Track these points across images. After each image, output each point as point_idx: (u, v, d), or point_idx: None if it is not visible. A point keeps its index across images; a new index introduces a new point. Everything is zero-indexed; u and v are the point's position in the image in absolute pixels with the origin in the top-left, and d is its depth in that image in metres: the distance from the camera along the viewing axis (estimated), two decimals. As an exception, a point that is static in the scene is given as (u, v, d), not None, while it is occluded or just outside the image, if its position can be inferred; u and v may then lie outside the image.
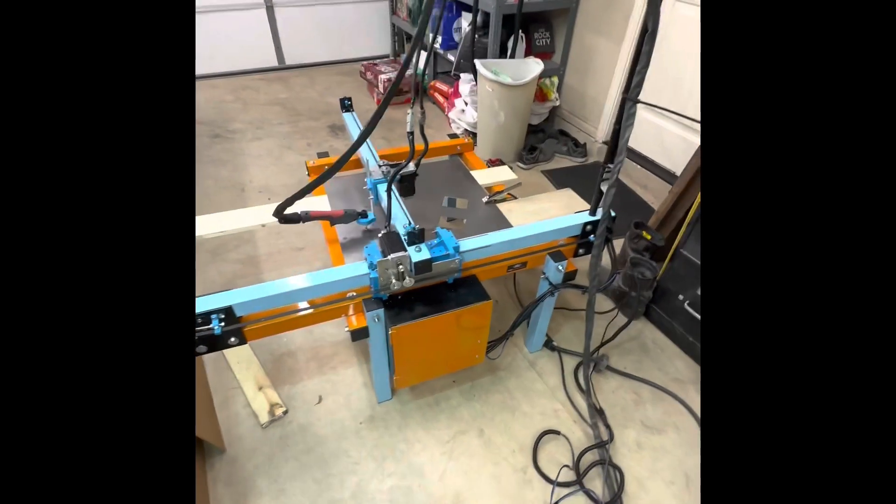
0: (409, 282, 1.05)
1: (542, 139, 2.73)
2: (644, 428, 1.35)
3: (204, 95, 3.31)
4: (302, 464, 1.23)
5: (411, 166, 1.33)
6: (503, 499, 1.18)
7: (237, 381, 1.41)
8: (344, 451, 1.26)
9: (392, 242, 1.04)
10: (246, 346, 1.51)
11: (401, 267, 1.02)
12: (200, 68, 3.50)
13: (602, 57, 2.45)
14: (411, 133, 1.07)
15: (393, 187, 1.27)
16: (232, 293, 0.98)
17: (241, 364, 1.45)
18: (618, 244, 1.78)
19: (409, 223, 1.11)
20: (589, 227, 1.27)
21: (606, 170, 1.16)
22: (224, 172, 2.47)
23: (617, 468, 1.21)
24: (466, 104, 2.71)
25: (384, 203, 1.25)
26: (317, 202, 1.52)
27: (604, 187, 1.21)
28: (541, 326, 1.46)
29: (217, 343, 1.00)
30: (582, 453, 1.24)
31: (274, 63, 3.73)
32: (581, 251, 1.33)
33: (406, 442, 1.29)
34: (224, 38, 3.44)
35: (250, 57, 3.61)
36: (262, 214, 1.43)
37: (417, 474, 1.22)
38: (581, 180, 2.48)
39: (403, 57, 3.61)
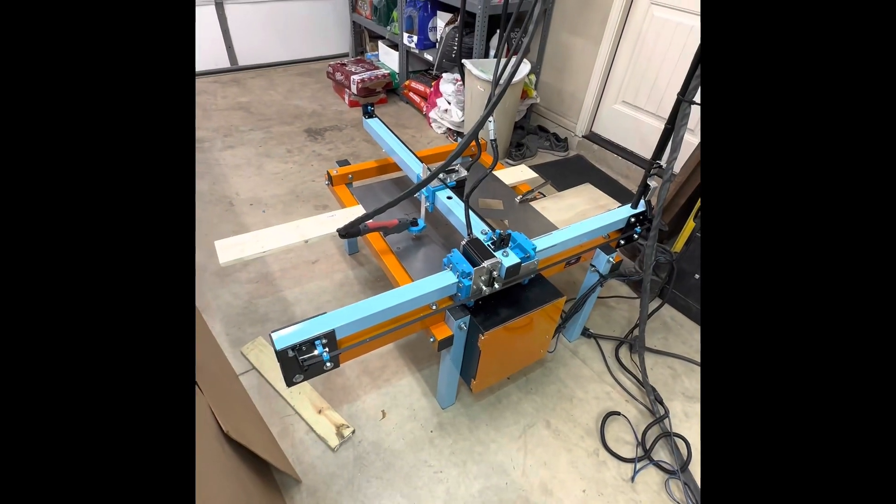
0: (497, 286, 1.07)
1: (523, 136, 2.83)
2: (686, 398, 1.48)
3: (154, 101, 3.00)
4: (385, 481, 1.20)
5: (463, 171, 1.34)
6: (585, 482, 1.24)
7: (292, 407, 1.34)
8: (423, 462, 1.25)
9: (479, 251, 1.05)
10: (291, 369, 1.43)
11: (494, 273, 1.04)
12: (144, 71, 3.16)
13: (579, 56, 2.58)
14: (494, 140, 1.08)
15: (454, 193, 1.28)
16: (328, 316, 0.94)
17: (292, 390, 1.37)
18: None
19: (490, 230, 1.12)
20: (633, 220, 1.36)
21: (655, 166, 1.25)
22: (203, 186, 2.28)
23: (682, 437, 1.33)
24: (450, 104, 2.72)
25: (445, 207, 1.25)
26: (351, 213, 1.48)
27: (650, 182, 1.30)
28: (583, 316, 1.54)
29: (314, 371, 0.95)
30: (646, 429, 1.34)
31: (226, 64, 3.47)
32: (622, 242, 1.42)
33: (481, 443, 1.31)
34: (170, 37, 3.13)
35: (200, 58, 3.33)
36: (301, 230, 1.36)
37: (501, 472, 1.24)
38: (567, 173, 2.61)
39: (369, 55, 3.53)
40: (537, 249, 1.13)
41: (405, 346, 1.56)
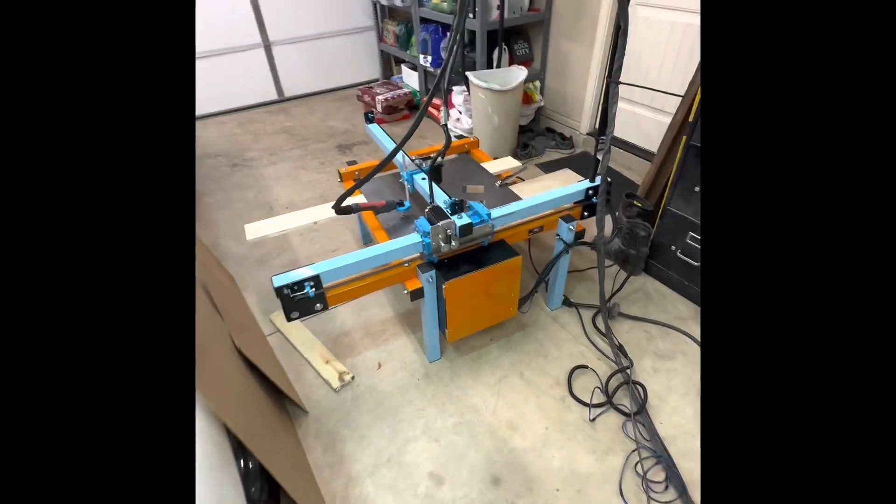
0: (455, 244, 1.30)
1: (532, 137, 3.03)
2: (657, 357, 1.59)
3: (216, 131, 3.57)
4: (375, 415, 1.44)
5: (439, 159, 1.59)
6: (548, 421, 1.40)
7: (305, 359, 1.63)
8: (409, 402, 1.48)
9: (437, 215, 1.29)
10: (307, 330, 1.73)
11: (448, 231, 1.27)
12: (209, 107, 3.77)
13: (577, 60, 2.78)
14: (445, 125, 1.33)
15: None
16: (317, 265, 1.22)
17: (306, 345, 1.67)
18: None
19: (449, 198, 1.36)
20: (591, 192, 1.54)
21: (601, 141, 1.43)
22: (250, 195, 2.71)
23: (640, 384, 1.45)
24: (461, 113, 3.00)
25: (422, 187, 1.50)
26: (354, 201, 1.77)
27: (599, 156, 1.48)
28: (559, 284, 1.71)
29: (306, 308, 1.23)
30: (609, 377, 1.48)
31: (274, 96, 4.01)
32: (586, 214, 1.59)
33: (460, 389, 1.51)
34: (228, 77, 3.72)
35: (253, 92, 3.89)
36: (313, 214, 1.67)
37: (474, 411, 1.44)
38: (574, 168, 2.76)
39: (395, 78, 3.93)
40: (493, 216, 1.35)
41: (404, 314, 1.81)
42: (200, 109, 3.77)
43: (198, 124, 3.71)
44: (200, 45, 3.51)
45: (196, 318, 0.91)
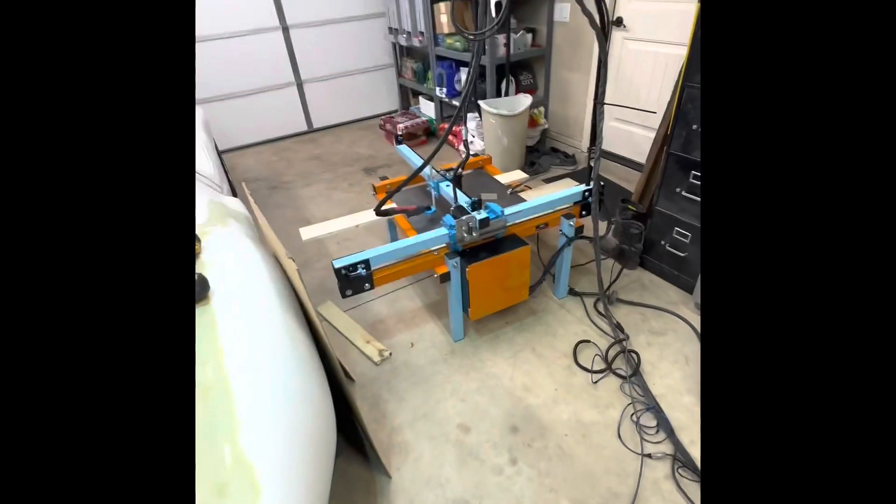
0: (475, 235, 1.60)
1: (539, 156, 3.37)
2: (651, 333, 1.84)
3: (254, 159, 3.99)
4: (411, 382, 1.72)
5: (460, 169, 1.92)
6: (557, 384, 1.66)
7: (349, 340, 1.92)
8: (438, 371, 1.75)
9: (460, 212, 1.60)
10: (349, 318, 2.03)
11: (470, 224, 1.58)
12: (248, 139, 4.23)
13: (576, 87, 3.14)
14: (466, 141, 1.65)
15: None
16: (367, 251, 1.53)
17: (349, 329, 1.96)
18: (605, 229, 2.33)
19: (470, 198, 1.68)
20: (587, 194, 1.84)
21: (592, 151, 1.74)
22: (289, 213, 3.07)
23: (634, 352, 1.70)
24: (474, 136, 3.37)
25: (446, 194, 1.82)
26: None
27: (592, 163, 1.79)
28: (564, 274, 1.99)
29: (358, 285, 1.53)
30: (608, 348, 1.74)
31: (304, 128, 4.46)
32: (584, 212, 1.89)
33: (481, 361, 1.78)
34: (265, 112, 4.18)
35: (286, 125, 4.35)
36: (356, 219, 1.99)
37: (493, 378, 1.70)
38: (574, 181, 3.08)
39: (413, 108, 4.34)
40: (506, 213, 1.65)
41: (431, 304, 2.10)
42: (241, 141, 4.22)
43: (238, 154, 4.15)
44: (243, 85, 3.99)
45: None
